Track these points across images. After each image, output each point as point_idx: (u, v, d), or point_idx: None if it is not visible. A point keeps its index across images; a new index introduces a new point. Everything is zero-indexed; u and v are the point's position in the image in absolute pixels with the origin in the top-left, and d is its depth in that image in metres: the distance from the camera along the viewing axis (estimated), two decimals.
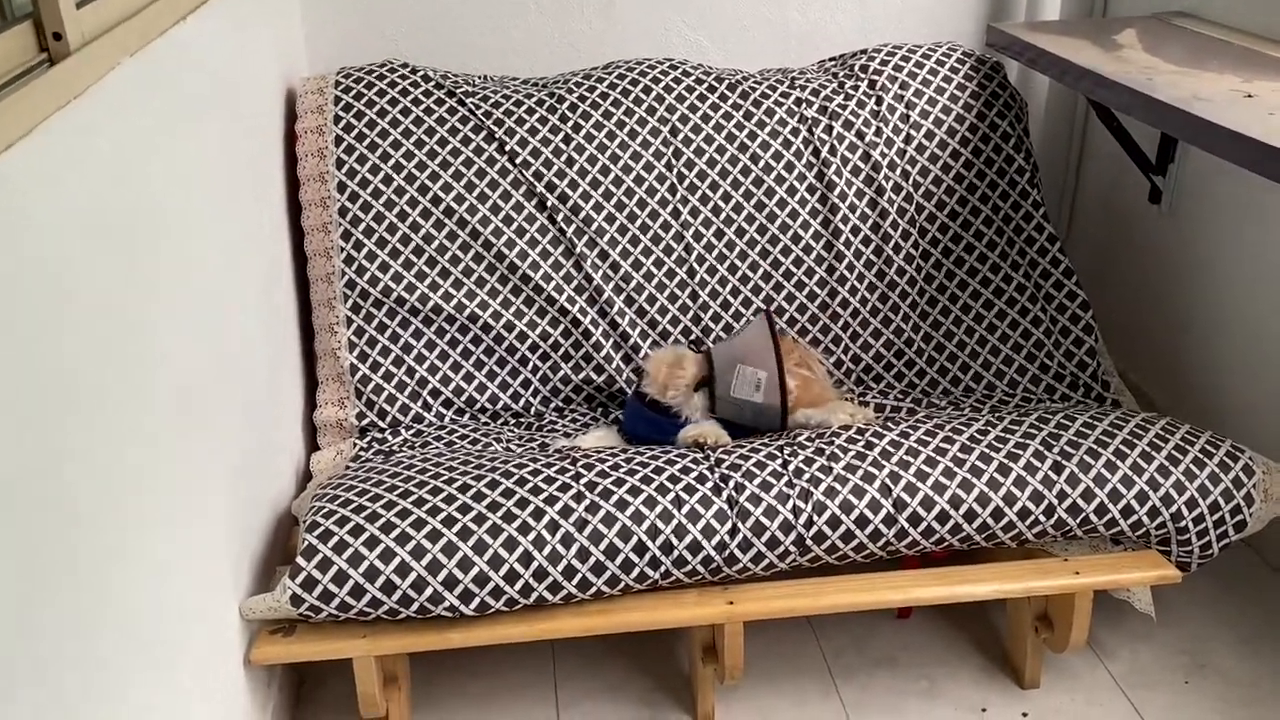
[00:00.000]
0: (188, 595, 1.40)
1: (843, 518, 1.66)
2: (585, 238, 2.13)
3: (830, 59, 2.38)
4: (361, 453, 1.95)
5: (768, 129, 2.20)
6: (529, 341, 2.10)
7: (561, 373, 2.12)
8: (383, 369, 2.06)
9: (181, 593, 1.37)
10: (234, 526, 1.59)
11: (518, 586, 1.58)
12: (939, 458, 1.72)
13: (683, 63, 2.27)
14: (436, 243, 2.09)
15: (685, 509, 1.64)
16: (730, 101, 2.21)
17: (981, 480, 1.69)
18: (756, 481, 1.68)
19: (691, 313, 2.14)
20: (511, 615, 1.61)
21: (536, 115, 2.16)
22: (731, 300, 2.16)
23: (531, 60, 2.46)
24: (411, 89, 2.15)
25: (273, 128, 2.09)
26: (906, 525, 1.67)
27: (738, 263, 2.17)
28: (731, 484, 1.68)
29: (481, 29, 2.45)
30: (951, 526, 1.68)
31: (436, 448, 1.94)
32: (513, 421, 2.10)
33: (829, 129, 2.20)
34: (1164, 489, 1.71)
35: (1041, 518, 1.69)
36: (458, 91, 2.16)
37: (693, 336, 2.15)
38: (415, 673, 1.81)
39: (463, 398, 2.08)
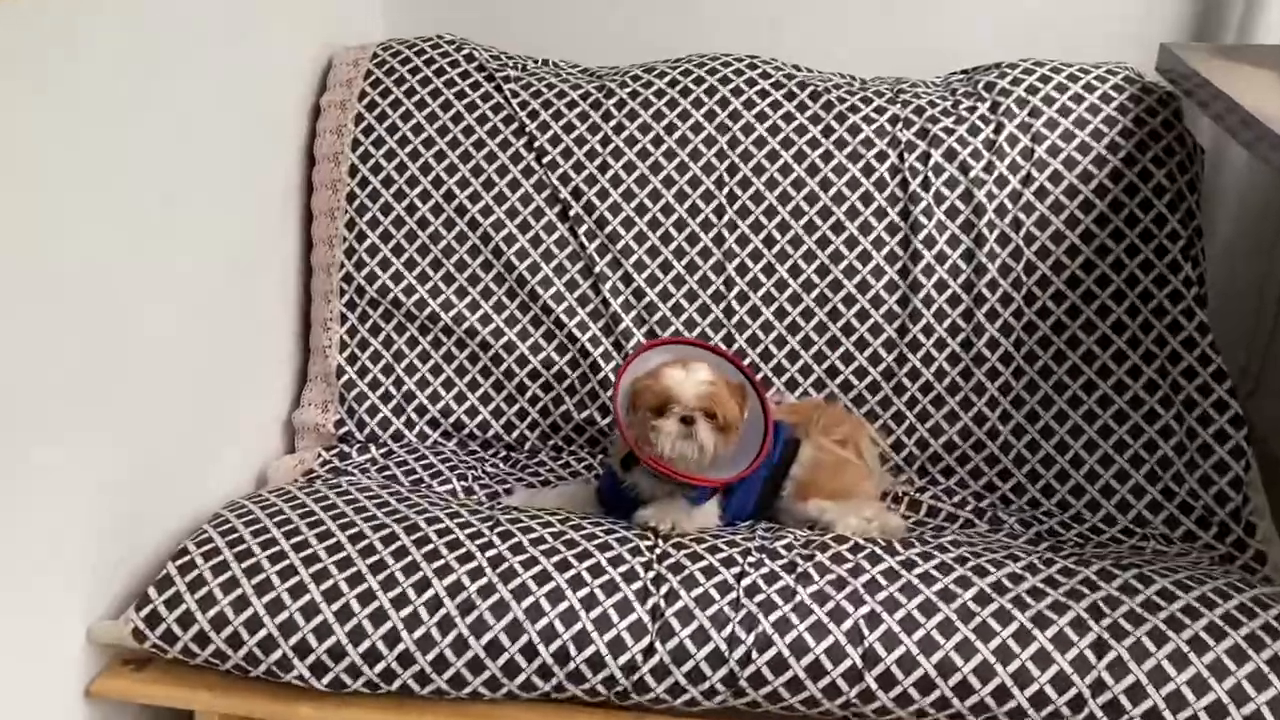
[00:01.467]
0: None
1: (791, 661, 1.29)
2: (608, 256, 1.82)
3: (960, 71, 1.95)
4: (316, 468, 1.75)
5: (847, 150, 1.80)
6: (529, 367, 1.82)
7: (563, 408, 1.83)
8: (370, 375, 1.85)
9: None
10: (102, 537, 1.42)
11: (378, 670, 1.32)
12: (941, 604, 1.31)
13: (766, 62, 1.91)
14: (444, 243, 1.85)
15: (595, 612, 1.32)
16: (809, 113, 1.83)
17: (989, 646, 1.27)
18: (695, 593, 1.34)
19: None
20: (375, 699, 1.35)
21: (577, 110, 1.87)
22: (774, 351, 1.80)
23: (620, 45, 2.14)
24: (449, 69, 1.91)
25: (297, 99, 1.91)
26: (875, 687, 1.28)
27: (788, 307, 1.80)
28: (663, 590, 1.34)
29: (572, 8, 2.17)
30: (936, 699, 1.27)
31: (390, 474, 1.71)
32: (503, 454, 1.84)
33: (925, 157, 1.78)
34: (1255, 705, 1.22)
35: (1065, 710, 1.25)
36: (498, 76, 1.91)
37: None
38: None
39: (450, 420, 1.84)
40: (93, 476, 1.38)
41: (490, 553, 1.38)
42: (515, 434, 1.84)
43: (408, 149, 1.87)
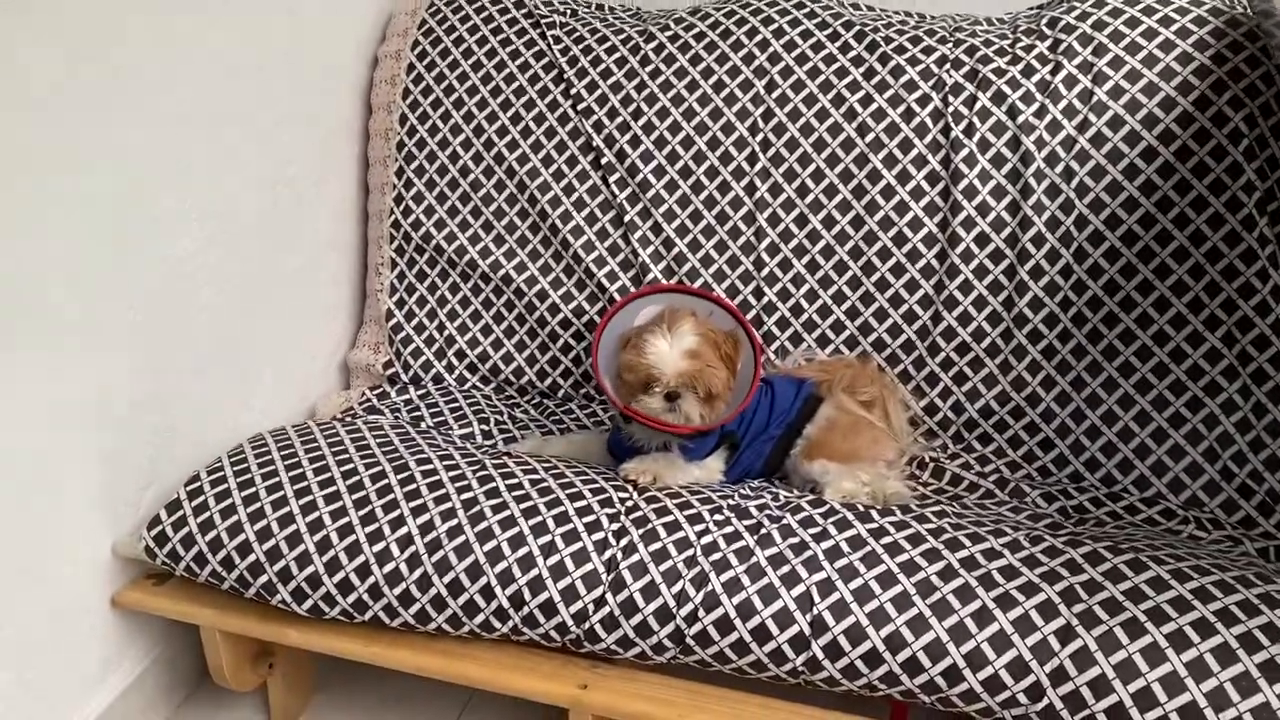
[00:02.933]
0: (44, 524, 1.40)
1: (737, 623, 1.26)
2: (639, 205, 1.80)
3: (1035, 7, 1.79)
4: (355, 406, 1.83)
5: (888, 94, 1.70)
6: (561, 316, 1.83)
7: None
8: (416, 319, 1.91)
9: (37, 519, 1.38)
10: (139, 458, 1.54)
11: (350, 600, 1.38)
12: (901, 576, 1.24)
13: (815, 1, 1.81)
14: (484, 191, 1.87)
15: (552, 560, 1.33)
16: (852, 55, 1.74)
17: (944, 623, 1.20)
18: (653, 548, 1.33)
19: (753, 313, 1.75)
20: (352, 629, 1.42)
21: (616, 55, 1.84)
22: (805, 305, 1.73)
23: None
24: (498, 16, 1.92)
25: (360, 49, 1.98)
26: (821, 656, 1.23)
27: (820, 260, 1.72)
28: (623, 543, 1.34)
29: None
30: (884, 674, 1.21)
31: (418, 414, 1.77)
32: (536, 400, 1.86)
33: (971, 101, 1.66)
34: (1237, 712, 1.10)
35: (1022, 698, 1.17)
36: (544, 23, 1.90)
37: None
38: (330, 663, 1.68)
39: (487, 365, 1.88)
40: (134, 398, 1.50)
41: (466, 495, 1.41)
42: (548, 381, 1.86)
43: (453, 97, 1.89)
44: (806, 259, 1.73)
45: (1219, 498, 1.51)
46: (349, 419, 1.72)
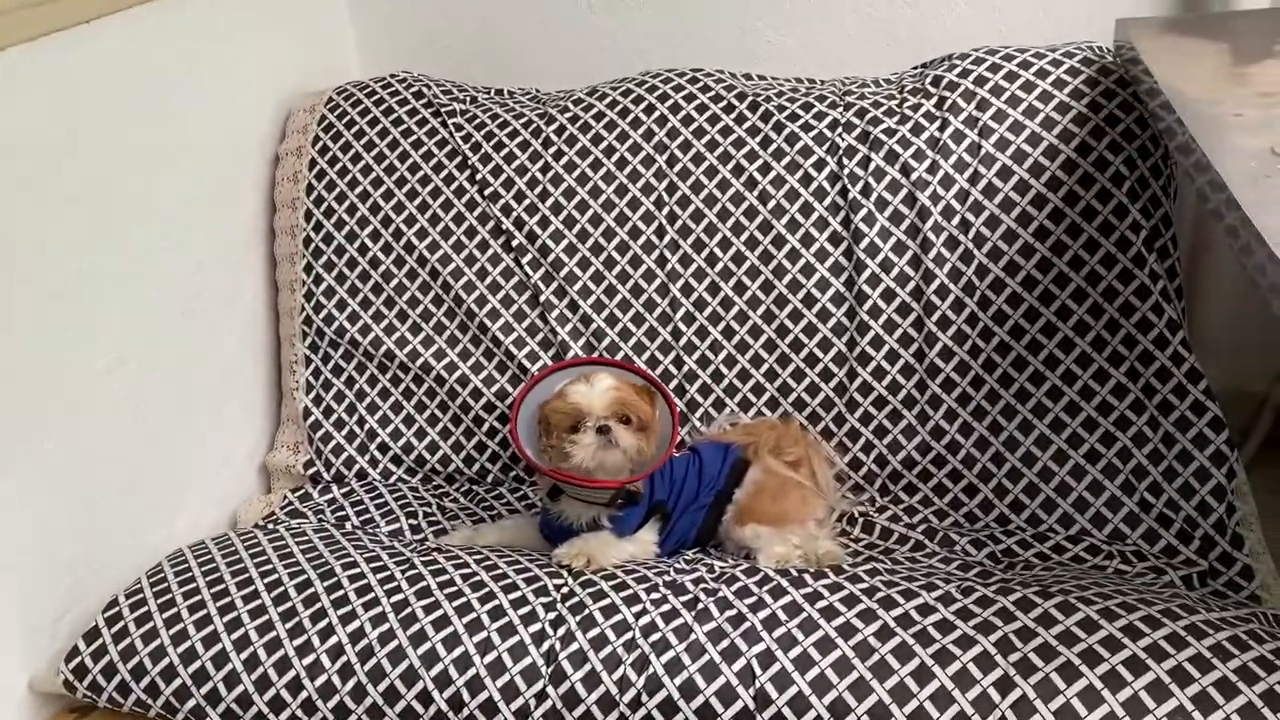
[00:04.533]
0: None
1: (681, 704, 1.24)
2: (553, 285, 1.80)
3: (917, 66, 1.85)
4: (277, 510, 1.79)
5: (785, 160, 1.74)
6: (484, 400, 1.82)
7: None
8: (335, 415, 1.88)
9: None
10: (52, 586, 1.49)
11: (284, 717, 1.34)
12: (839, 641, 1.24)
13: (707, 75, 1.85)
14: (395, 281, 1.86)
15: (489, 657, 1.31)
16: (747, 125, 1.77)
17: (885, 685, 1.20)
18: (591, 635, 1.31)
19: (675, 382, 1.76)
20: None
21: (518, 139, 1.86)
22: (725, 371, 1.75)
23: (591, 67, 2.12)
24: (398, 108, 1.93)
25: (261, 148, 1.96)
26: None
27: (735, 325, 1.74)
28: (560, 632, 1.32)
29: (544, 33, 2.15)
30: None
31: (343, 514, 1.74)
32: (465, 488, 1.84)
33: (865, 162, 1.70)
34: None
35: None
36: (444, 111, 1.91)
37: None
38: None
39: (412, 455, 1.86)
40: (46, 523, 1.47)
41: (395, 598, 1.39)
42: (476, 467, 1.84)
43: (358, 190, 1.89)
44: (721, 325, 1.75)
45: (1140, 529, 1.54)
46: (270, 526, 1.68)
